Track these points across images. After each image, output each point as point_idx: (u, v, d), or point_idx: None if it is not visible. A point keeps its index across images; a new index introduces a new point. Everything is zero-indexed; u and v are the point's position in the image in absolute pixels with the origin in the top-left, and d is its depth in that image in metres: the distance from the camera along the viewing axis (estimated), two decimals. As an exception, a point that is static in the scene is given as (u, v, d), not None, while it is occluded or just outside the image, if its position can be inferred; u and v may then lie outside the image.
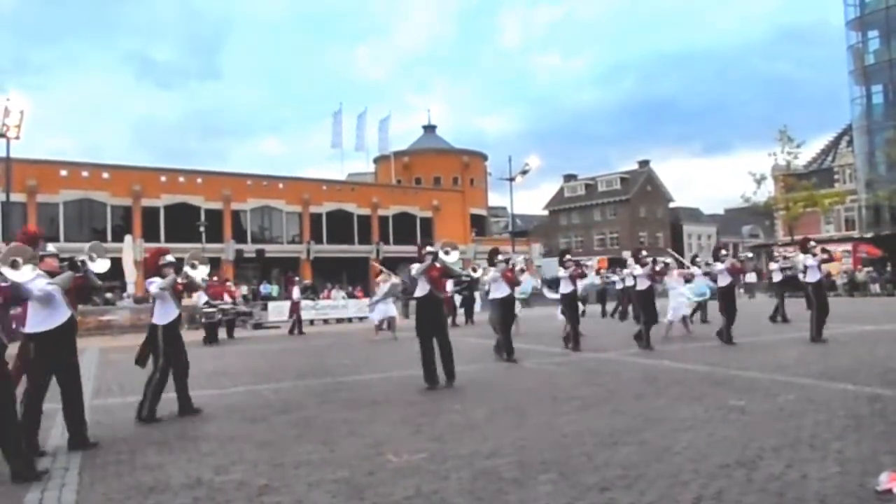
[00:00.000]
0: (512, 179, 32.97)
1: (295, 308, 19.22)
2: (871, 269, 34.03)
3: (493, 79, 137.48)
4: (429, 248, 8.43)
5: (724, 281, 11.44)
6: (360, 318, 23.94)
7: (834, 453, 4.36)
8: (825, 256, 11.22)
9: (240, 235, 37.55)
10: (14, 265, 4.84)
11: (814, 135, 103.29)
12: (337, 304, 24.47)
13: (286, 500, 3.87)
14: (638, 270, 11.49)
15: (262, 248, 37.43)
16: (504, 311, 10.19)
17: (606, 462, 4.36)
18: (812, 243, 11.57)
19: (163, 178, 36.07)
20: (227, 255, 35.85)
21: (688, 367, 8.71)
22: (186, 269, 6.81)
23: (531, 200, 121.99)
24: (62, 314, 5.29)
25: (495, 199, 60.61)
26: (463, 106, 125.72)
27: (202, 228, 33.06)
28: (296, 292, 19.67)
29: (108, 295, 25.04)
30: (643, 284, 11.40)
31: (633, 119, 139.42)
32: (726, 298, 11.37)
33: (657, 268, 11.79)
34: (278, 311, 22.73)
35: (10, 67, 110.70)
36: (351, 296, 26.62)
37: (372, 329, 16.22)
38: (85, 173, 33.89)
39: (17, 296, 5.13)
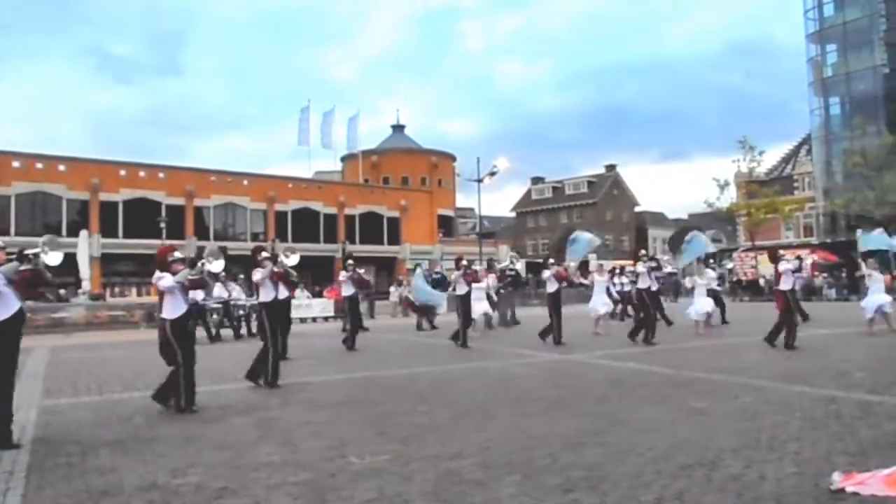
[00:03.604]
0: (480, 181, 33.03)
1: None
2: (826, 274, 35.03)
3: (458, 83, 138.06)
4: (264, 254, 8.58)
5: (551, 287, 12.88)
6: (325, 318, 23.71)
7: (791, 454, 4.45)
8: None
9: (202, 232, 36.77)
10: None
11: (764, 144, 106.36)
12: (301, 303, 24.11)
13: (245, 503, 3.76)
14: (546, 273, 12.95)
15: (224, 245, 36.77)
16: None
17: (570, 463, 4.36)
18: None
19: (122, 172, 35.16)
20: (188, 252, 35.14)
21: (652, 369, 8.82)
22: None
23: (499, 202, 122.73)
24: (11, 306, 5.15)
25: (463, 200, 60.83)
26: (428, 109, 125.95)
27: (163, 224, 32.32)
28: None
29: (62, 291, 24.28)
30: (553, 287, 12.66)
31: (594, 126, 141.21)
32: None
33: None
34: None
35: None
36: (318, 295, 26.29)
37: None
38: (39, 165, 32.83)
39: None
